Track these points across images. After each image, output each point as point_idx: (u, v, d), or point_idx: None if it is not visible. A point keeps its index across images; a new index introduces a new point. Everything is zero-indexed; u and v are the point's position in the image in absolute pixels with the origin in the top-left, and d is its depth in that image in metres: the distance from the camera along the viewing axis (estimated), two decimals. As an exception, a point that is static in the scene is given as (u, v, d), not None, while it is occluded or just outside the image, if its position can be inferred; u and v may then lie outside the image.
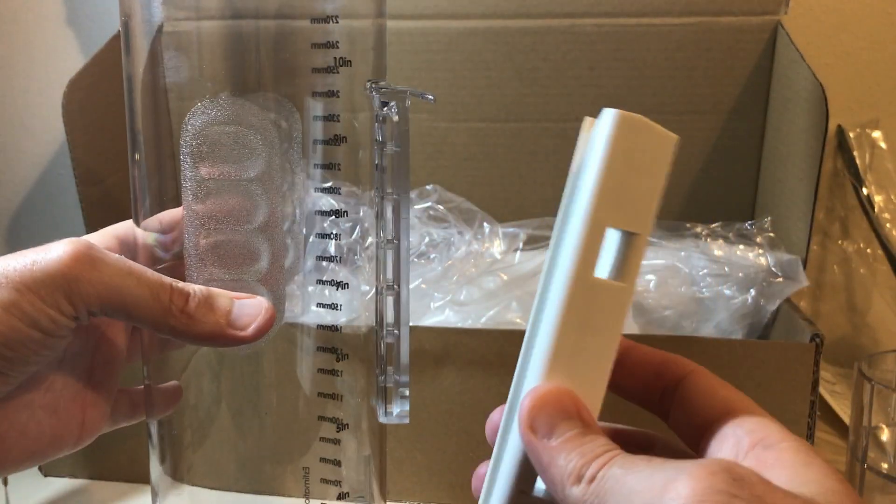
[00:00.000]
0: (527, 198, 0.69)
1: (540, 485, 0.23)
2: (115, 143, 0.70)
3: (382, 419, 0.32)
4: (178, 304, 0.28)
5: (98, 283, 0.27)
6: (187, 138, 0.30)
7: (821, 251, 0.72)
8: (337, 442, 0.34)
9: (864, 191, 0.68)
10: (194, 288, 0.29)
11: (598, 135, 0.22)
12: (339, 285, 0.33)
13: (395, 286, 0.31)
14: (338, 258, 0.34)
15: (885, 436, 0.47)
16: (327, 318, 0.34)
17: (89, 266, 0.26)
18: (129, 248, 0.32)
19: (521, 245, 0.60)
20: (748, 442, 0.22)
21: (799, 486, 0.20)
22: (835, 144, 0.70)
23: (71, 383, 0.31)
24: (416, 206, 0.63)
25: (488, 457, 0.25)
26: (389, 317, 0.31)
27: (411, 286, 0.57)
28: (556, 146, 0.68)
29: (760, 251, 0.56)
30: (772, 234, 0.59)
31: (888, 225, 0.68)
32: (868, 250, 0.70)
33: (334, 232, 0.34)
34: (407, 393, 0.32)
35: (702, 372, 0.25)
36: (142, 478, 0.55)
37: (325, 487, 0.35)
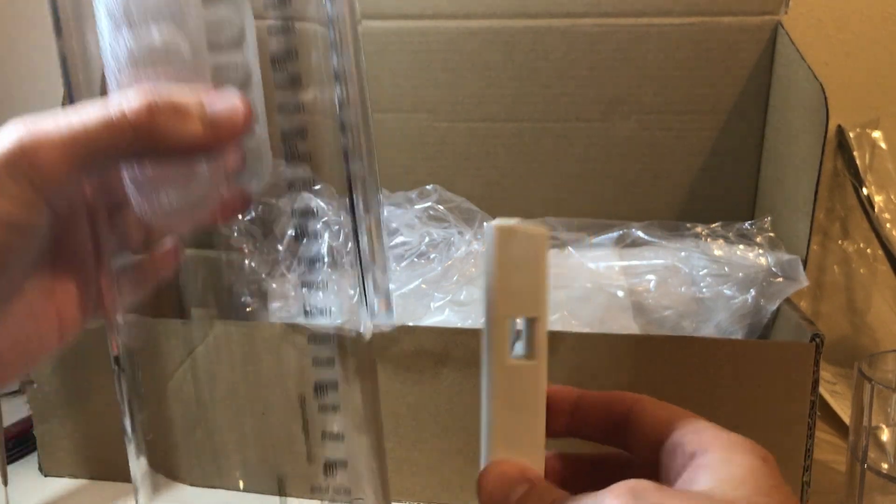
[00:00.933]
0: (527, 198, 0.69)
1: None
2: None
3: (368, 321, 0.32)
4: (143, 128, 0.25)
5: (51, 156, 0.24)
6: None
7: (821, 251, 0.72)
8: (338, 438, 0.34)
9: (865, 191, 0.68)
10: (151, 99, 0.25)
11: (486, 246, 0.27)
12: (325, 285, 0.33)
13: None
14: (327, 260, 0.33)
15: (885, 436, 0.47)
16: (319, 319, 0.34)
17: (34, 142, 0.24)
18: None
19: (521, 245, 0.60)
20: (689, 451, 0.24)
21: (715, 484, 0.22)
22: (835, 144, 0.71)
23: (39, 282, 0.28)
24: (416, 206, 0.63)
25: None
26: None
27: (411, 286, 0.57)
28: (556, 146, 0.68)
29: (760, 251, 0.56)
30: (772, 234, 0.59)
31: (888, 225, 0.68)
32: (868, 250, 0.70)
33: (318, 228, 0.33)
34: (391, 292, 0.32)
35: (643, 401, 0.28)
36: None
37: (325, 487, 0.35)
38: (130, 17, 0.27)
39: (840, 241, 0.71)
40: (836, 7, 0.69)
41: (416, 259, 0.59)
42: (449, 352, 0.48)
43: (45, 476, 0.56)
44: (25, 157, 0.24)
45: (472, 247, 0.59)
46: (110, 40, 0.27)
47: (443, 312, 0.55)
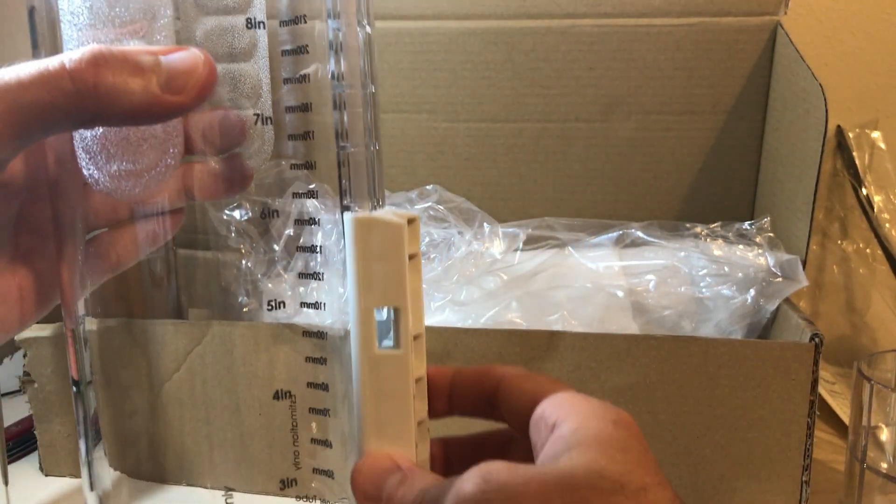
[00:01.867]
0: (527, 198, 0.70)
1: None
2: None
3: None
4: (86, 83, 0.22)
5: None
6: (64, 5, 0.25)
7: (820, 251, 0.72)
8: (325, 443, 0.34)
9: (864, 191, 0.69)
10: (101, 51, 0.22)
11: (347, 238, 0.27)
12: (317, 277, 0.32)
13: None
14: (319, 263, 0.33)
15: (884, 435, 0.47)
16: (314, 318, 0.34)
17: None
18: None
19: (521, 245, 0.60)
20: (550, 423, 0.25)
21: (566, 454, 0.23)
22: (834, 144, 0.71)
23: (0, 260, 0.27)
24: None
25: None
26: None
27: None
28: (556, 146, 0.68)
29: (760, 251, 0.57)
30: (771, 234, 0.59)
31: (887, 225, 0.68)
32: (867, 250, 0.70)
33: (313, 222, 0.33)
34: None
35: (510, 375, 0.28)
36: (141, 478, 0.55)
37: (316, 487, 0.35)
38: (94, 17, 0.26)
39: (839, 241, 0.71)
40: (836, 7, 0.69)
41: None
42: (449, 351, 0.48)
43: (46, 476, 0.56)
44: None
45: (473, 247, 0.59)
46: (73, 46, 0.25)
47: (443, 312, 0.55)
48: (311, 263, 0.34)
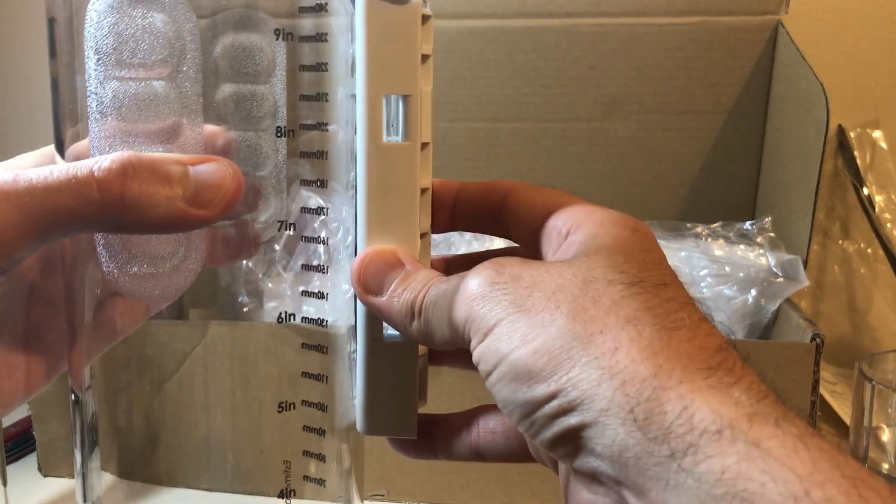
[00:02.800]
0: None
1: (389, 330, 0.26)
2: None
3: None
4: (112, 193, 0.22)
5: (4, 216, 0.21)
6: (90, 29, 0.24)
7: (821, 251, 0.72)
8: (319, 434, 0.33)
9: (865, 191, 0.68)
10: (130, 160, 0.22)
11: (357, 17, 0.25)
12: (322, 273, 0.32)
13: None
14: (322, 261, 0.33)
15: (885, 436, 0.47)
16: (311, 313, 0.33)
17: None
18: None
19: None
20: (563, 231, 0.24)
21: (580, 254, 0.22)
22: (835, 144, 0.70)
23: (10, 335, 0.27)
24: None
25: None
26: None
27: (321, 306, 0.57)
28: (556, 146, 0.68)
29: (761, 251, 0.56)
30: (772, 234, 0.59)
31: (889, 225, 0.68)
32: (868, 250, 0.70)
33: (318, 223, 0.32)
34: None
35: (518, 187, 0.27)
36: (141, 478, 0.55)
37: (305, 486, 0.34)
38: (121, 58, 0.25)
39: (840, 241, 0.71)
40: (837, 7, 0.69)
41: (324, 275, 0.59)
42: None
43: (45, 476, 0.56)
44: None
45: (473, 246, 0.59)
46: (96, 84, 0.25)
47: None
48: (316, 255, 0.33)
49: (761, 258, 0.56)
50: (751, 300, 0.54)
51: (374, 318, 0.26)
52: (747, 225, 0.60)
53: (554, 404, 0.20)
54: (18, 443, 0.58)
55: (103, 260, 0.26)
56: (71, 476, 0.55)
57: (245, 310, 0.58)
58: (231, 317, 0.58)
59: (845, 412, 0.58)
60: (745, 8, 0.64)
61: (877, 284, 0.70)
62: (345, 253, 0.31)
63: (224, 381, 0.52)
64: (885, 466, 0.47)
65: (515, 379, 0.20)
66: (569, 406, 0.19)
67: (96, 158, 0.22)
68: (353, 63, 0.26)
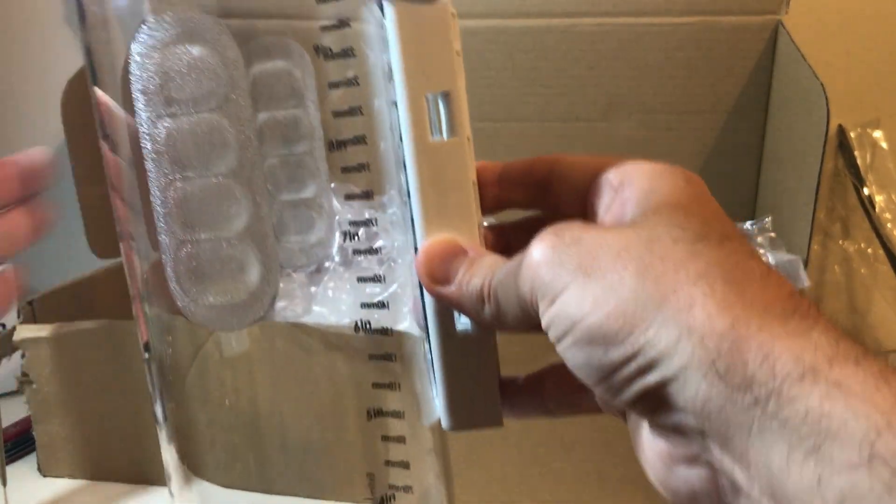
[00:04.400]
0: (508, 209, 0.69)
1: (461, 323, 0.27)
2: (114, 143, 0.70)
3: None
4: None
5: None
6: (135, 70, 0.25)
7: (822, 251, 0.72)
8: (400, 440, 0.32)
9: (866, 191, 0.68)
10: None
11: (388, 23, 0.25)
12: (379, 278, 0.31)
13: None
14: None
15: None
16: (329, 318, 0.33)
17: None
18: None
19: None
20: (616, 184, 0.24)
21: (638, 213, 0.22)
22: (836, 144, 0.70)
23: None
24: (374, 229, 0.62)
25: (491, 456, 0.26)
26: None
27: (380, 314, 0.57)
28: (556, 146, 0.68)
29: (761, 251, 0.56)
30: (772, 234, 0.59)
31: (889, 225, 0.68)
32: (869, 250, 0.70)
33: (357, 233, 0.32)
34: None
35: (564, 156, 0.27)
36: (141, 478, 0.54)
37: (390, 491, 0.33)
38: (169, 95, 0.25)
39: (841, 241, 0.71)
40: (838, 6, 0.69)
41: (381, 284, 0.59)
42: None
43: (44, 476, 0.56)
44: None
45: None
46: (148, 124, 0.25)
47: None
48: (371, 266, 0.32)
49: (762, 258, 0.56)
50: (751, 300, 0.53)
51: (446, 314, 0.27)
52: (747, 225, 0.60)
53: (633, 365, 0.20)
54: (18, 443, 0.58)
55: (177, 295, 0.27)
56: (71, 476, 0.55)
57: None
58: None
59: (846, 412, 0.58)
60: (745, 8, 0.63)
61: (877, 284, 0.70)
62: (401, 261, 0.31)
63: (231, 381, 0.52)
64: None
65: (590, 343, 0.20)
66: (647, 365, 0.20)
67: None
68: (390, 70, 0.26)
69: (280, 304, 0.58)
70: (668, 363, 0.19)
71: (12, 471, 0.56)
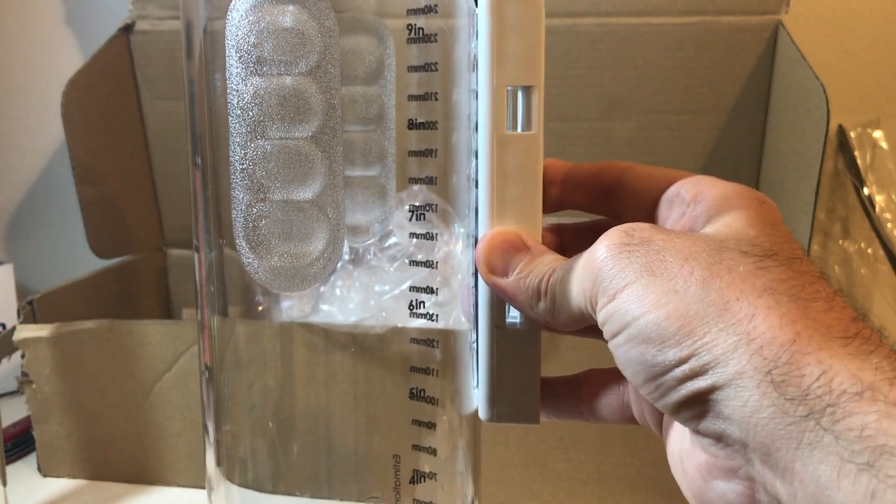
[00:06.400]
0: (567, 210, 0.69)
1: (511, 317, 0.27)
2: (113, 143, 0.70)
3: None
4: None
5: None
6: (232, 26, 0.26)
7: (822, 251, 0.72)
8: (431, 451, 0.32)
9: (866, 191, 0.68)
10: None
11: (480, 13, 0.26)
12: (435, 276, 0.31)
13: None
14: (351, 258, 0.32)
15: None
16: (337, 317, 0.33)
17: None
18: None
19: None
20: (688, 198, 0.24)
21: (710, 226, 0.23)
22: (836, 144, 0.70)
23: None
24: (405, 207, 0.63)
25: (491, 456, 0.26)
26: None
27: (402, 287, 0.57)
28: (556, 146, 0.68)
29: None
30: (772, 234, 0.59)
31: (889, 225, 0.68)
32: (869, 250, 0.70)
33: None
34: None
35: (636, 165, 0.27)
36: (141, 478, 0.54)
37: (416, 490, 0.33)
38: (261, 55, 0.26)
39: (841, 241, 0.71)
40: (838, 6, 0.69)
41: (406, 260, 0.59)
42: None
43: (44, 476, 0.56)
44: None
45: (449, 247, 0.59)
46: (237, 80, 0.26)
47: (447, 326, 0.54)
48: (426, 278, 0.33)
49: (761, 258, 0.55)
50: (751, 300, 0.53)
51: (498, 306, 0.27)
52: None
53: (685, 368, 0.20)
54: (18, 443, 0.58)
55: (242, 252, 0.27)
56: (71, 476, 0.55)
57: (260, 308, 0.58)
58: (248, 316, 0.58)
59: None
60: (745, 8, 0.63)
61: (877, 284, 0.70)
62: (381, 255, 0.31)
63: (237, 381, 0.52)
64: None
65: (645, 342, 0.21)
66: (700, 370, 0.20)
67: None
68: (474, 59, 0.27)
69: (286, 303, 0.58)
70: (723, 369, 0.19)
71: (12, 471, 0.56)
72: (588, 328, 0.24)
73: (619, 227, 0.23)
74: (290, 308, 0.58)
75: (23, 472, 0.56)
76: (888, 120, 0.70)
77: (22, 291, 0.74)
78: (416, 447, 0.32)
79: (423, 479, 0.32)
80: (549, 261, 0.25)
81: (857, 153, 0.69)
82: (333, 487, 0.35)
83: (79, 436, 0.54)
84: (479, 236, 0.27)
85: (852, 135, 0.70)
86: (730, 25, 0.64)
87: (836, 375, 0.18)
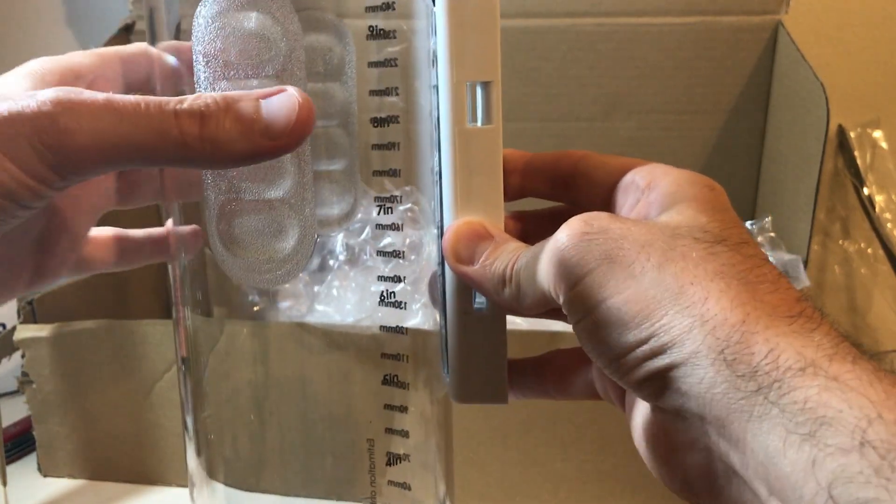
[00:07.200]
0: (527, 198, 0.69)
1: (478, 303, 0.28)
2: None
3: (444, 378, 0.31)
4: (192, 133, 0.23)
5: (83, 142, 0.22)
6: (198, 32, 0.26)
7: (822, 251, 0.72)
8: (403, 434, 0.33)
9: (865, 191, 0.68)
10: (206, 101, 0.23)
11: (438, 11, 0.26)
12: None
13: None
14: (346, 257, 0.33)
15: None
16: (335, 317, 0.33)
17: (72, 121, 0.22)
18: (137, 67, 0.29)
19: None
20: (641, 187, 0.26)
21: (663, 213, 0.24)
22: (836, 144, 0.70)
23: (28, 233, 0.28)
24: (399, 208, 0.62)
25: (491, 456, 0.26)
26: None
27: (397, 288, 0.57)
28: (556, 146, 0.68)
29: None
30: (772, 234, 0.59)
31: (889, 225, 0.68)
32: (869, 250, 0.70)
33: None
34: None
35: (591, 154, 0.29)
36: (141, 478, 0.54)
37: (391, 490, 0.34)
38: (228, 59, 0.26)
39: (841, 241, 0.71)
40: (838, 6, 0.69)
41: (400, 261, 0.59)
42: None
43: (44, 476, 0.56)
44: (57, 134, 0.22)
45: (415, 237, 0.59)
46: (206, 86, 0.26)
47: (418, 315, 0.54)
48: (393, 267, 0.33)
49: (761, 258, 0.55)
50: (751, 300, 0.53)
51: (464, 292, 0.28)
52: (747, 225, 0.60)
53: (645, 348, 0.21)
54: (18, 443, 0.58)
55: (215, 250, 0.28)
56: (71, 476, 0.55)
57: (255, 309, 0.58)
58: (240, 316, 0.58)
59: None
60: (745, 8, 0.63)
61: (877, 284, 0.70)
62: (420, 262, 0.31)
63: (237, 381, 0.52)
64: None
65: (608, 325, 0.22)
66: (659, 349, 0.21)
67: (179, 98, 0.23)
68: (433, 55, 0.27)
69: (284, 303, 0.58)
70: (680, 349, 0.21)
71: (12, 471, 0.56)
72: (551, 310, 0.25)
73: (578, 216, 0.24)
74: (289, 309, 0.58)
75: (23, 472, 0.56)
76: (888, 120, 0.70)
77: (22, 291, 0.74)
78: (389, 430, 0.32)
79: (397, 460, 0.33)
80: (513, 248, 0.26)
81: (856, 153, 0.69)
82: (309, 474, 0.36)
83: (79, 436, 0.54)
84: (445, 227, 0.28)
85: (852, 135, 0.70)
86: (730, 25, 0.64)
87: (783, 353, 0.19)
